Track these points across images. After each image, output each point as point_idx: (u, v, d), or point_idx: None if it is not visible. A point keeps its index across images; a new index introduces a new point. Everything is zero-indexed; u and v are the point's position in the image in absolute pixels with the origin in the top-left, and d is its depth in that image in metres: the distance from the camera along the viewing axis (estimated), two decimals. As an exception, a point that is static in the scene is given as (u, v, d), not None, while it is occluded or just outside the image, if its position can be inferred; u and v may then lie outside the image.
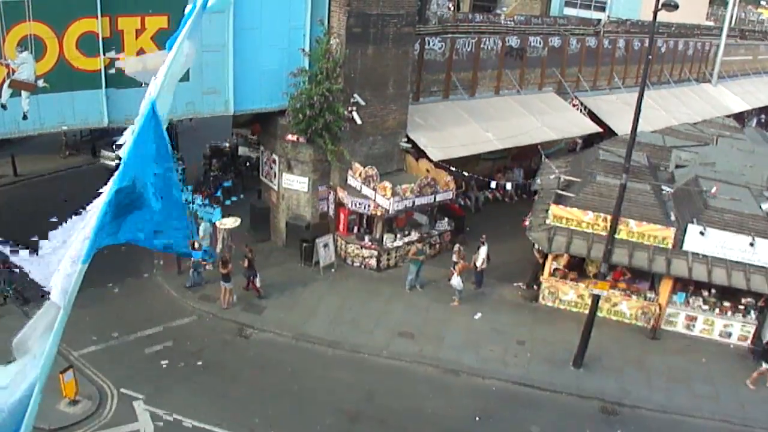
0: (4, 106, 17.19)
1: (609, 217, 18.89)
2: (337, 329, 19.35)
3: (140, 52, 18.53)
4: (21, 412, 7.26)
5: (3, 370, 7.25)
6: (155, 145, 7.81)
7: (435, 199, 22.88)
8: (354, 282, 21.97)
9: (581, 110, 31.86)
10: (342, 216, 23.03)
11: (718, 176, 23.29)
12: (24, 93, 17.37)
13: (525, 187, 29.09)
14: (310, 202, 23.02)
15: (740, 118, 40.19)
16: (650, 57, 18.00)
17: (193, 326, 19.22)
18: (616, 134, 29.11)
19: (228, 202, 23.83)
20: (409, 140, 24.00)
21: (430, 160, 23.39)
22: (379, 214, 22.06)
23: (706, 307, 20.65)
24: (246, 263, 20.18)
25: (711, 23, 49.10)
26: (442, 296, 21.25)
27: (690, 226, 20.04)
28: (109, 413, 15.56)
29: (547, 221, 21.06)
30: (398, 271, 22.56)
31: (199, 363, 17.53)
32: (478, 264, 21.81)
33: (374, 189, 21.85)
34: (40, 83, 17.44)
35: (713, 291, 20.61)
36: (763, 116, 46.21)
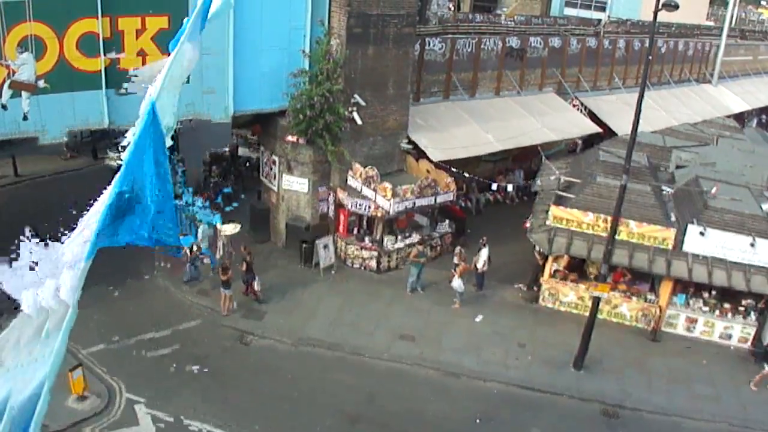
0: (4, 107, 17.16)
1: (609, 218, 18.87)
2: (337, 331, 19.32)
3: (140, 52, 18.52)
4: (30, 410, 7.27)
5: None
6: (153, 147, 7.81)
7: (436, 200, 22.84)
8: (354, 284, 21.94)
9: (581, 111, 31.84)
10: (342, 217, 23.00)
11: (719, 176, 23.27)
12: (24, 93, 17.33)
13: (526, 189, 29.07)
14: (310, 203, 22.99)
15: (740, 118, 40.17)
16: (650, 57, 17.98)
17: (194, 330, 19.18)
18: (617, 135, 29.09)
19: (228, 209, 23.78)
20: (410, 141, 23.97)
21: (431, 161, 23.37)
22: (379, 215, 22.03)
23: (706, 308, 20.63)
24: (244, 266, 20.14)
25: (711, 23, 49.07)
26: (443, 298, 21.22)
27: (690, 227, 20.03)
28: (118, 412, 15.63)
29: (548, 222, 21.04)
30: (398, 273, 22.53)
31: (200, 367, 17.50)
32: (479, 266, 21.79)
33: (374, 190, 21.82)
34: (41, 84, 17.41)
35: (713, 292, 20.58)
36: (763, 116, 46.20)
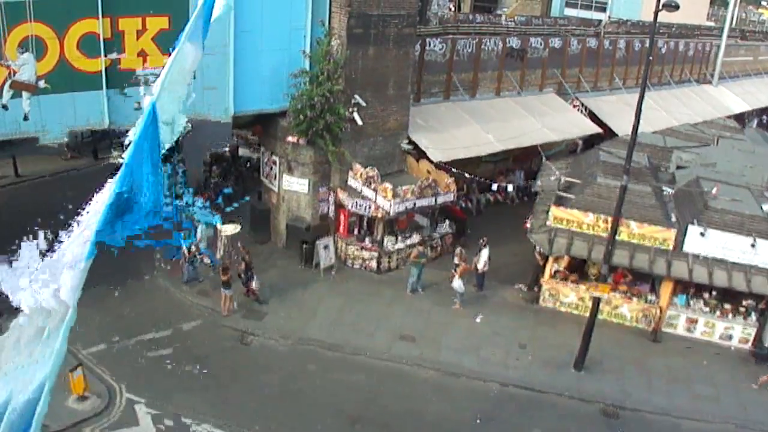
0: (5, 107, 17.17)
1: (610, 219, 18.87)
2: (337, 332, 19.32)
3: (141, 53, 18.53)
4: (31, 411, 7.29)
5: None
6: (150, 147, 7.83)
7: (436, 201, 22.84)
8: (354, 284, 21.94)
9: (582, 111, 31.85)
10: (342, 218, 23.00)
11: (719, 177, 23.28)
12: (25, 94, 17.34)
13: (526, 189, 29.06)
14: (310, 203, 22.98)
15: (741, 118, 40.17)
16: (651, 58, 17.99)
17: (194, 330, 19.19)
18: (617, 135, 29.09)
19: (229, 209, 23.77)
20: (410, 141, 23.98)
21: (431, 162, 23.37)
22: (379, 215, 22.03)
23: (707, 309, 20.63)
24: (243, 266, 20.15)
25: (712, 24, 49.06)
26: (444, 299, 21.23)
27: (690, 228, 20.02)
28: (118, 412, 15.64)
29: (548, 223, 21.04)
30: (399, 274, 22.53)
31: (200, 367, 17.51)
32: (480, 266, 21.79)
33: (375, 190, 21.83)
34: (41, 84, 17.42)
35: (714, 293, 20.58)
36: (763, 117, 46.18)
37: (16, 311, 7.36)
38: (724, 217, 20.43)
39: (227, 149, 30.11)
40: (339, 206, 22.91)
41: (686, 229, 20.05)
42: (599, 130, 30.07)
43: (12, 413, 7.18)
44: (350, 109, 21.76)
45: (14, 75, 16.93)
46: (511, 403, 17.24)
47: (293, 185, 22.94)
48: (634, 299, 20.88)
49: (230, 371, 17.47)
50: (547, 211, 21.36)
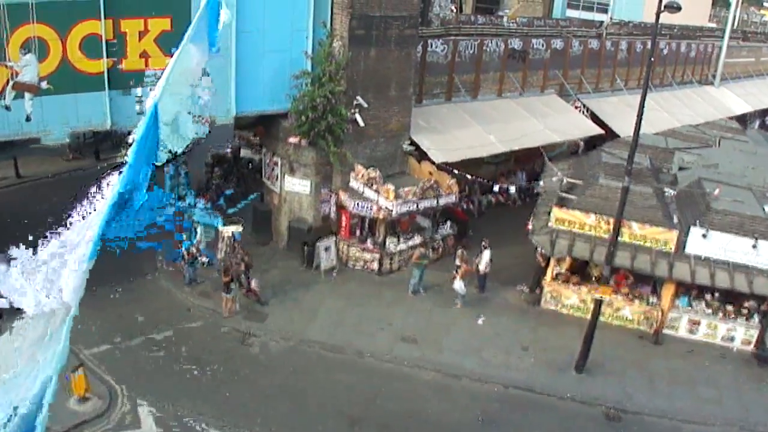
0: (8, 108, 17.19)
1: (611, 220, 18.85)
2: (338, 333, 19.32)
3: (143, 54, 18.55)
4: (34, 413, 7.31)
5: None
6: (149, 147, 7.86)
7: (438, 202, 22.83)
8: (356, 285, 21.94)
9: (583, 112, 31.83)
10: (344, 219, 23.00)
11: (721, 178, 23.24)
12: (27, 95, 17.35)
13: (528, 191, 29.04)
14: (312, 204, 22.98)
15: (743, 120, 40.12)
16: (652, 59, 17.98)
17: (195, 331, 19.20)
18: (619, 136, 29.06)
19: (232, 210, 23.80)
20: (412, 143, 23.97)
21: (433, 163, 23.37)
22: (381, 217, 22.03)
23: (708, 311, 20.60)
24: (243, 266, 20.14)
25: (713, 25, 48.98)
26: (445, 300, 21.22)
27: (692, 229, 19.99)
28: (119, 413, 15.64)
29: (550, 224, 21.01)
30: (400, 275, 22.53)
31: (202, 368, 17.52)
32: (482, 268, 21.77)
33: (377, 191, 21.82)
34: (44, 85, 17.43)
35: (716, 295, 20.55)
36: (766, 118, 46.09)
37: (16, 312, 7.36)
38: (726, 218, 20.39)
39: (229, 150, 30.08)
40: (341, 207, 22.91)
41: (688, 231, 20.03)
42: (601, 131, 30.05)
43: (17, 416, 7.19)
44: (352, 111, 21.77)
45: (17, 76, 16.94)
46: (513, 405, 17.22)
47: (295, 186, 22.95)
48: (636, 301, 20.85)
49: (231, 372, 17.47)
50: (549, 213, 21.34)
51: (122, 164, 7.59)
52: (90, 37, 17.69)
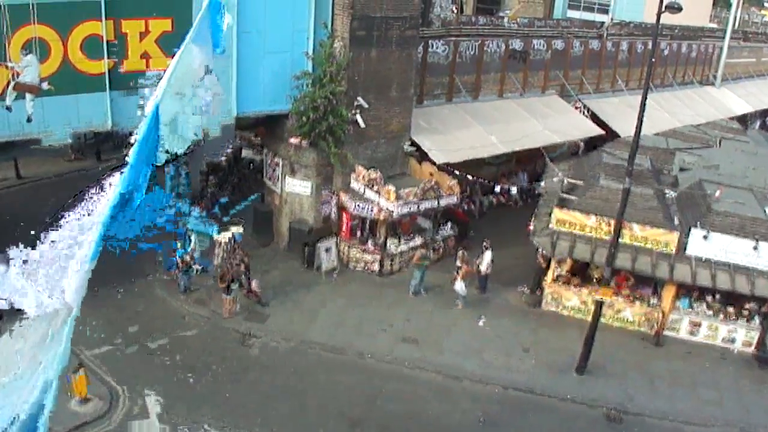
0: (9, 109, 17.19)
1: (612, 221, 18.83)
2: (339, 334, 19.32)
3: (144, 55, 18.55)
4: (37, 414, 7.33)
5: None
6: (149, 148, 7.88)
7: (439, 203, 22.82)
8: (356, 286, 21.94)
9: (584, 113, 31.82)
10: (345, 220, 22.99)
11: (722, 179, 23.22)
12: (28, 96, 17.34)
13: (529, 192, 29.03)
14: (313, 205, 22.98)
15: (743, 120, 40.10)
16: (653, 59, 17.96)
17: (196, 332, 19.20)
18: (619, 137, 29.05)
19: (226, 219, 23.80)
20: (413, 143, 23.97)
21: (434, 164, 23.36)
22: (382, 218, 22.02)
23: (709, 312, 20.59)
24: (242, 268, 20.13)
25: (714, 25, 48.97)
26: (446, 301, 21.22)
27: (693, 231, 19.97)
28: (120, 414, 15.63)
29: (551, 225, 21.00)
30: (401, 276, 22.52)
31: (203, 368, 17.52)
32: (483, 269, 21.76)
33: (378, 192, 21.82)
34: (45, 86, 17.42)
35: (717, 296, 20.54)
36: (767, 119, 46.08)
37: (16, 313, 7.36)
38: (726, 219, 20.37)
39: (224, 159, 29.92)
40: (341, 208, 22.91)
41: (689, 232, 20.01)
42: (602, 131, 30.05)
43: (17, 420, 7.21)
44: (353, 111, 21.77)
45: (18, 77, 16.92)
46: (513, 407, 17.22)
47: (296, 187, 22.95)
48: (637, 303, 20.85)
49: (232, 373, 17.47)
50: (550, 214, 21.33)
51: (124, 165, 7.61)
52: (91, 38, 17.68)
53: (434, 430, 16.13)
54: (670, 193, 21.98)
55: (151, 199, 8.27)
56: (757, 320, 20.27)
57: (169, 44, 18.15)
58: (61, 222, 7.42)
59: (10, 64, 16.72)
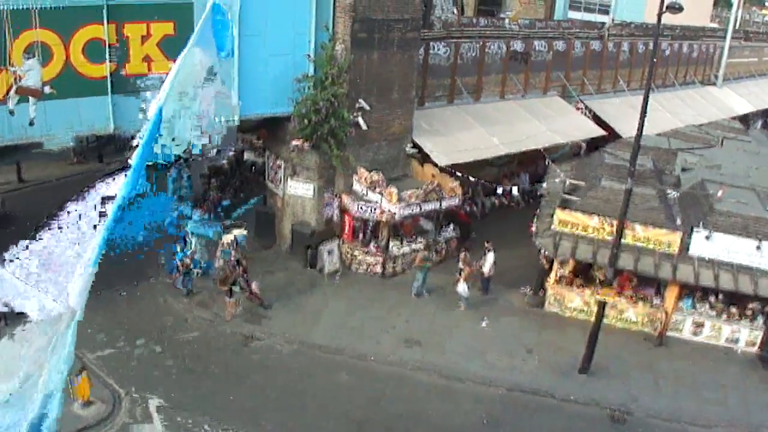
0: (11, 113, 17.24)
1: (614, 222, 18.82)
2: (342, 336, 19.32)
3: (146, 58, 18.59)
4: (41, 417, 7.36)
5: None
6: (148, 150, 7.92)
7: (441, 205, 22.82)
8: (359, 288, 21.94)
9: (585, 114, 31.81)
10: (347, 222, 23.00)
11: (724, 179, 23.21)
12: (31, 99, 17.39)
13: (531, 193, 29.04)
14: (315, 207, 22.99)
15: (745, 120, 40.07)
16: (655, 60, 17.95)
17: (199, 331, 19.25)
18: (621, 137, 29.05)
19: (229, 222, 23.83)
20: (415, 145, 23.98)
21: (436, 166, 23.37)
22: (384, 219, 22.02)
23: (713, 312, 20.56)
24: (241, 270, 20.16)
25: (715, 25, 48.96)
26: (449, 303, 21.21)
27: (696, 231, 19.94)
28: (122, 417, 15.64)
29: (553, 226, 20.99)
30: (403, 278, 22.52)
31: (205, 370, 17.55)
32: (486, 270, 21.75)
33: (380, 194, 21.83)
34: (47, 90, 17.48)
35: (720, 296, 20.51)
36: (768, 118, 46.08)
37: (19, 317, 7.37)
38: (729, 219, 20.35)
39: (225, 162, 30.00)
40: (344, 211, 22.92)
41: (692, 232, 19.99)
42: (603, 132, 30.05)
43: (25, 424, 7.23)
44: (354, 114, 21.79)
45: (20, 80, 16.98)
46: (517, 408, 17.21)
47: (298, 189, 22.96)
48: (640, 303, 20.82)
49: (234, 375, 17.48)
50: (552, 215, 21.32)
51: (126, 167, 7.63)
52: (93, 42, 17.71)
53: (438, 432, 16.15)
54: (673, 193, 21.97)
55: (153, 202, 8.30)
56: (760, 320, 20.24)
57: (171, 47, 18.23)
58: (62, 223, 7.43)
59: (12, 68, 16.77)
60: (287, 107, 21.51)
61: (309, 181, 22.68)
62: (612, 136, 29.97)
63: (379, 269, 22.55)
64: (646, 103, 16.69)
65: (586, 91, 32.37)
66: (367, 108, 22.06)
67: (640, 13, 39.97)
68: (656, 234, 20.12)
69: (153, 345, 18.38)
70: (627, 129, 28.87)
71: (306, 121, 21.19)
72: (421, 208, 22.34)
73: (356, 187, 22.71)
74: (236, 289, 19.79)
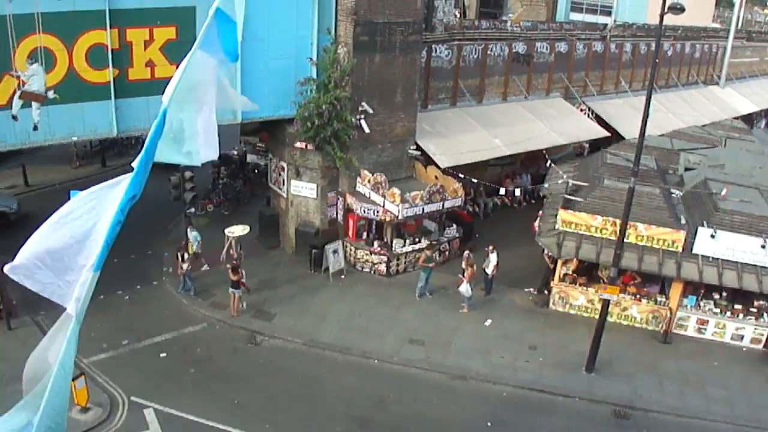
0: (15, 117, 17.37)
1: (618, 221, 18.83)
2: (347, 335, 19.37)
3: (149, 63, 18.72)
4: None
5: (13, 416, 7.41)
6: (150, 152, 7.96)
7: (444, 206, 22.87)
8: (364, 288, 22.00)
9: (588, 115, 31.86)
10: (351, 222, 23.08)
11: (728, 178, 23.18)
12: (35, 104, 17.53)
13: (533, 193, 29.09)
14: (319, 208, 23.08)
15: (748, 119, 40.07)
16: (657, 60, 17.97)
17: (203, 333, 19.33)
18: (624, 138, 29.09)
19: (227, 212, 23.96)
20: (418, 147, 24.05)
21: (439, 167, 23.43)
22: (388, 219, 22.08)
23: (717, 310, 20.54)
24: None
25: (717, 25, 49.02)
26: (452, 303, 21.24)
27: (700, 229, 19.95)
28: (120, 420, 15.65)
29: (556, 226, 21.02)
30: (408, 277, 22.58)
31: (209, 370, 17.61)
32: (489, 270, 21.77)
33: (383, 196, 21.90)
34: (50, 94, 17.61)
35: (724, 294, 20.49)
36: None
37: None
38: (733, 218, 20.35)
39: (235, 152, 30.18)
40: (348, 211, 23.00)
41: (696, 231, 19.98)
42: (606, 133, 30.10)
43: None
44: (357, 116, 21.87)
45: (24, 86, 17.13)
46: (522, 406, 17.20)
47: (302, 190, 23.06)
48: (644, 301, 20.82)
49: (239, 373, 17.54)
50: (555, 215, 21.35)
51: (130, 170, 7.68)
52: (96, 47, 17.87)
53: (442, 431, 16.13)
54: (676, 193, 21.96)
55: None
56: (765, 317, 20.20)
57: (174, 52, 18.37)
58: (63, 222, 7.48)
59: (16, 74, 16.90)
60: (289, 110, 21.62)
61: (312, 182, 22.79)
62: (614, 137, 30.03)
63: (383, 268, 22.60)
64: (649, 104, 16.69)
65: (588, 92, 32.44)
66: (370, 111, 22.14)
67: (641, 14, 40.10)
68: (660, 233, 20.12)
69: (154, 347, 18.43)
70: (629, 130, 28.92)
71: (309, 124, 21.28)
72: (424, 210, 22.38)
73: (360, 188, 22.77)
74: (240, 286, 19.88)
